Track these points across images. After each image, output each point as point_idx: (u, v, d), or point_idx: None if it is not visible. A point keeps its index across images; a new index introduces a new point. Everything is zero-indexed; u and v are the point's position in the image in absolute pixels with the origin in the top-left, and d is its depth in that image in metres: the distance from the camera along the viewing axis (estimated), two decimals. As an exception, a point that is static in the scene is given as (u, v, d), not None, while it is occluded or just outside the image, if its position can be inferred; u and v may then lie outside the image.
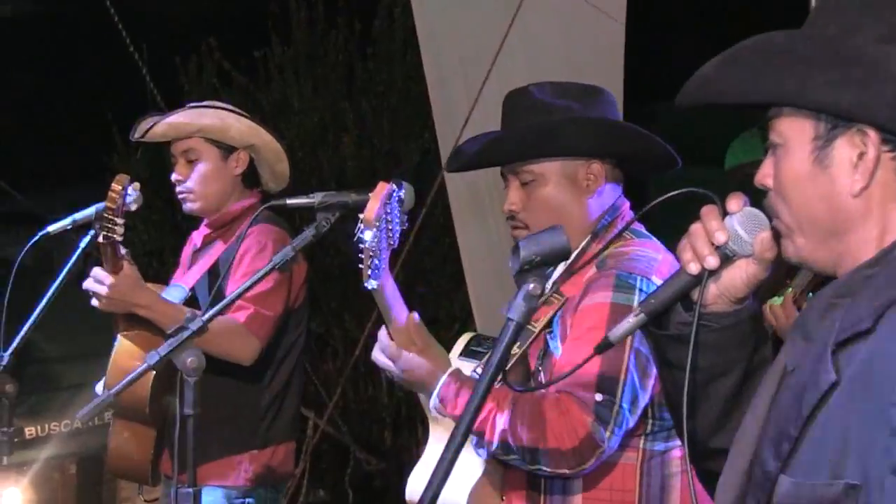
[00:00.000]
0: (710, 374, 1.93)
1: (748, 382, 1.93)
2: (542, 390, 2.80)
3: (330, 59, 8.09)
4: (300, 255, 4.04)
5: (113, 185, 3.51)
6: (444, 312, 7.61)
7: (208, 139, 4.01)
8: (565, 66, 5.41)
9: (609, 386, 2.67)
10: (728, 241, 1.86)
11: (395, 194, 2.67)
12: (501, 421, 2.68)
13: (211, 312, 2.87)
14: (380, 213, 2.62)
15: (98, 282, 3.67)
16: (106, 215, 3.50)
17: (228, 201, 4.06)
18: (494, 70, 5.57)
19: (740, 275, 1.90)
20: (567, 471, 2.68)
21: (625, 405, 2.67)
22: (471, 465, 2.87)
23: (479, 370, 2.95)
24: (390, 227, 2.67)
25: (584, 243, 2.92)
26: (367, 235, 2.60)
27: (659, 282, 2.74)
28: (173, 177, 4.06)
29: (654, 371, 2.71)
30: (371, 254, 2.62)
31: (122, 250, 3.67)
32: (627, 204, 3.00)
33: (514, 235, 2.96)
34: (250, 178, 4.10)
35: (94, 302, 3.73)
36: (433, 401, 2.78)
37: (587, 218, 2.94)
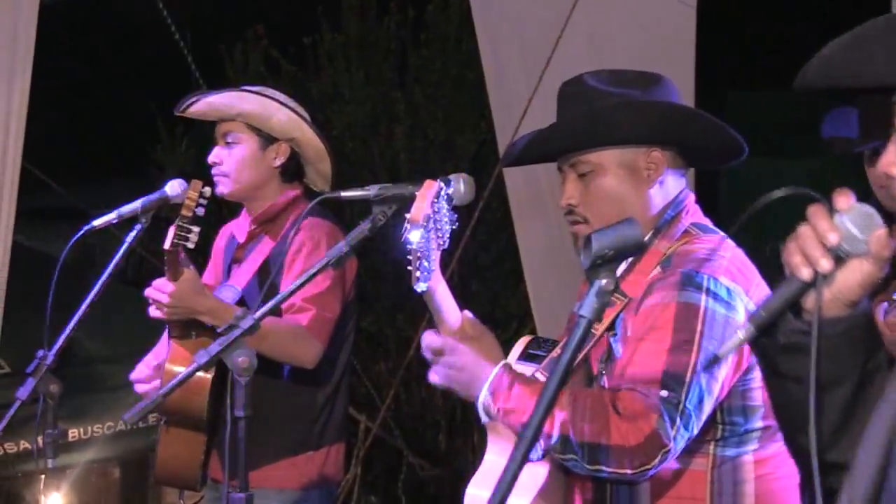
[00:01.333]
0: (824, 383, 1.87)
1: (863, 391, 1.88)
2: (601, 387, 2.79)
3: (382, 46, 8.09)
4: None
5: (189, 191, 3.55)
6: (501, 311, 7.58)
7: (249, 125, 4.02)
8: (631, 52, 5.38)
9: (675, 384, 2.64)
10: (841, 242, 1.81)
11: (443, 192, 2.66)
12: (562, 414, 2.65)
13: (263, 310, 2.87)
14: (427, 212, 2.61)
15: (160, 291, 3.70)
16: (181, 223, 3.53)
17: (264, 192, 4.08)
18: (555, 57, 5.55)
19: (854, 276, 1.84)
20: (629, 471, 2.62)
21: (690, 406, 2.63)
22: (530, 479, 2.84)
23: (540, 374, 2.92)
24: (439, 227, 2.67)
25: (646, 238, 2.88)
26: (414, 236, 2.60)
27: (727, 281, 2.72)
28: (210, 157, 4.08)
29: (722, 375, 2.70)
30: (419, 255, 2.61)
31: (184, 256, 3.70)
32: (692, 196, 2.97)
33: (574, 231, 2.95)
34: (291, 171, 4.10)
35: (155, 311, 3.76)
36: (483, 395, 2.73)
37: (649, 210, 2.90)
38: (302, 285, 2.91)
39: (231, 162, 4.03)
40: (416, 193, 2.65)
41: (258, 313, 2.85)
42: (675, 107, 2.91)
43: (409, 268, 2.63)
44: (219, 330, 2.90)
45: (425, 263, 2.63)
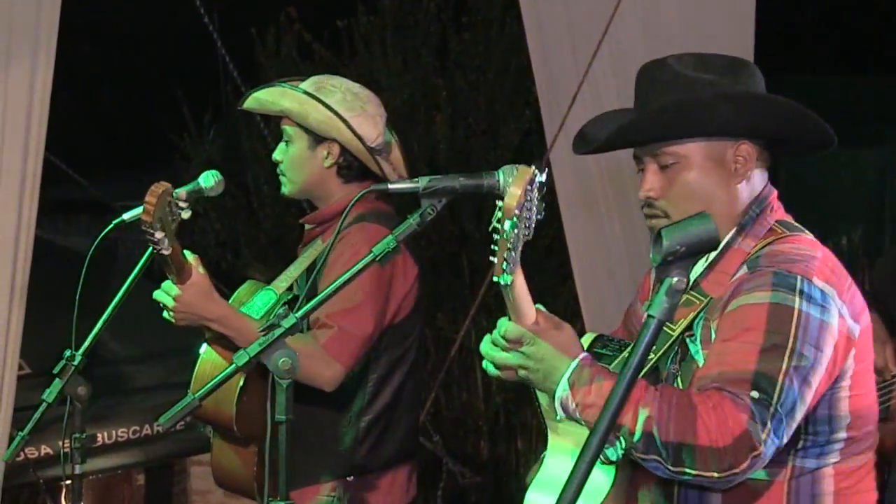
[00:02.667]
0: None
1: None
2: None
3: (421, 29, 8.09)
4: (408, 256, 4.01)
5: (147, 196, 3.47)
6: (547, 311, 7.55)
7: (296, 123, 4.01)
8: (687, 34, 5.34)
9: (767, 385, 2.61)
10: None
11: (536, 180, 2.66)
12: (646, 410, 2.62)
13: (304, 309, 2.87)
14: (522, 201, 2.60)
15: (166, 294, 3.68)
16: (143, 228, 3.47)
17: (325, 192, 4.02)
18: (606, 40, 5.52)
19: None
20: (716, 474, 2.59)
21: (782, 410, 2.60)
22: (593, 485, 2.83)
23: None
24: (528, 217, 2.65)
25: (729, 237, 2.87)
26: (507, 225, 2.60)
27: (821, 283, 2.70)
28: (274, 155, 4.08)
29: (817, 380, 2.67)
30: (508, 246, 2.62)
31: (191, 257, 3.67)
32: (775, 193, 2.94)
33: (651, 225, 2.91)
34: (352, 170, 4.02)
35: (166, 315, 3.75)
36: (561, 387, 2.72)
37: (735, 206, 2.88)
38: (342, 286, 2.89)
39: (287, 161, 4.02)
40: (510, 180, 2.65)
41: (300, 312, 2.84)
42: (775, 100, 2.87)
43: (493, 258, 2.65)
44: (259, 330, 2.88)
45: (513, 254, 2.63)
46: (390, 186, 2.91)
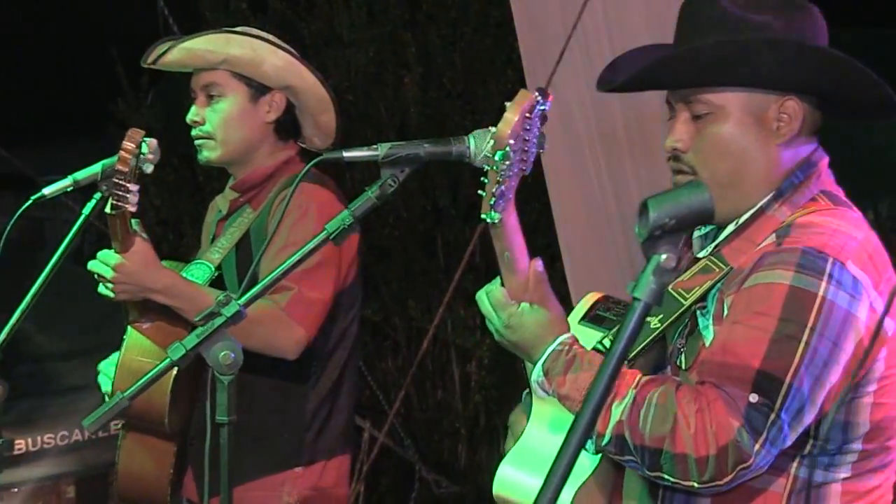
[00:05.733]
0: None
1: None
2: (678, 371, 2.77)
3: (388, -24, 8.08)
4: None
5: (125, 142, 3.49)
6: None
7: (236, 73, 4.01)
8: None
9: (770, 387, 2.59)
10: None
11: (538, 108, 2.65)
12: (619, 410, 2.64)
13: (249, 295, 2.86)
14: (517, 128, 2.60)
15: (104, 264, 3.67)
16: (117, 180, 3.48)
17: (256, 155, 4.06)
18: (599, -12, 5.52)
19: None
20: (695, 483, 2.60)
21: (784, 416, 2.59)
22: (579, 463, 2.83)
23: (607, 342, 2.92)
24: (526, 149, 2.65)
25: (764, 201, 2.83)
26: (498, 155, 2.59)
27: (855, 269, 2.66)
28: (189, 117, 4.06)
29: (831, 380, 2.64)
30: (498, 179, 2.61)
31: (135, 223, 3.67)
32: (826, 160, 2.90)
33: (677, 182, 2.88)
34: (287, 127, 4.09)
35: (103, 289, 3.74)
36: (536, 372, 2.78)
37: (773, 169, 2.84)
38: (296, 264, 2.89)
39: (217, 119, 4.01)
40: (507, 104, 2.65)
41: (243, 298, 2.83)
42: (830, 53, 2.81)
43: (482, 192, 2.64)
44: (196, 319, 2.87)
45: (502, 189, 2.63)
46: (345, 154, 2.90)
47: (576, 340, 2.80)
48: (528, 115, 2.62)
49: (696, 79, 2.83)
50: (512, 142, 2.60)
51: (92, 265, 3.71)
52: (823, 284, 2.63)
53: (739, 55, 2.77)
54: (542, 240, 7.33)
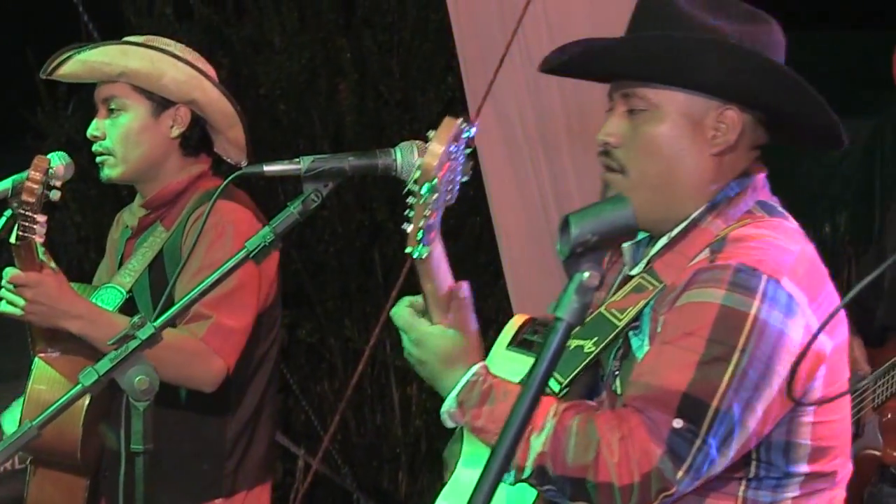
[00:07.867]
0: None
1: None
2: (601, 402, 2.80)
3: (322, -20, 8.09)
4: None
5: (31, 171, 3.48)
6: (476, 315, 7.57)
7: (136, 87, 4.01)
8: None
9: (695, 412, 2.62)
10: None
11: (464, 135, 2.67)
12: (539, 441, 2.66)
13: (165, 316, 2.86)
14: (444, 159, 2.62)
15: (15, 284, 3.67)
16: (23, 211, 3.48)
17: (162, 171, 4.07)
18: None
19: None
20: None
21: (711, 441, 2.61)
22: (521, 491, 2.86)
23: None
24: (452, 178, 2.67)
25: (696, 213, 2.86)
26: (424, 189, 2.61)
27: (790, 286, 2.68)
28: (89, 131, 4.05)
29: (763, 404, 2.66)
30: (427, 212, 2.63)
31: (41, 252, 3.66)
32: (763, 174, 2.94)
33: (605, 179, 2.93)
34: (194, 143, 4.10)
35: (9, 309, 3.73)
36: (448, 402, 2.79)
37: (706, 179, 2.87)
38: (214, 285, 2.90)
39: (116, 135, 4.01)
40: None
41: (158, 321, 2.84)
42: (779, 68, 2.83)
43: (407, 227, 2.66)
44: (110, 342, 2.88)
45: (431, 222, 2.65)
46: (266, 168, 2.90)
47: (488, 370, 2.80)
48: (453, 144, 2.64)
49: (638, 70, 2.87)
50: (440, 174, 2.61)
51: (5, 273, 3.70)
52: (756, 303, 2.65)
53: (683, 51, 2.81)
54: (484, 256, 7.36)
